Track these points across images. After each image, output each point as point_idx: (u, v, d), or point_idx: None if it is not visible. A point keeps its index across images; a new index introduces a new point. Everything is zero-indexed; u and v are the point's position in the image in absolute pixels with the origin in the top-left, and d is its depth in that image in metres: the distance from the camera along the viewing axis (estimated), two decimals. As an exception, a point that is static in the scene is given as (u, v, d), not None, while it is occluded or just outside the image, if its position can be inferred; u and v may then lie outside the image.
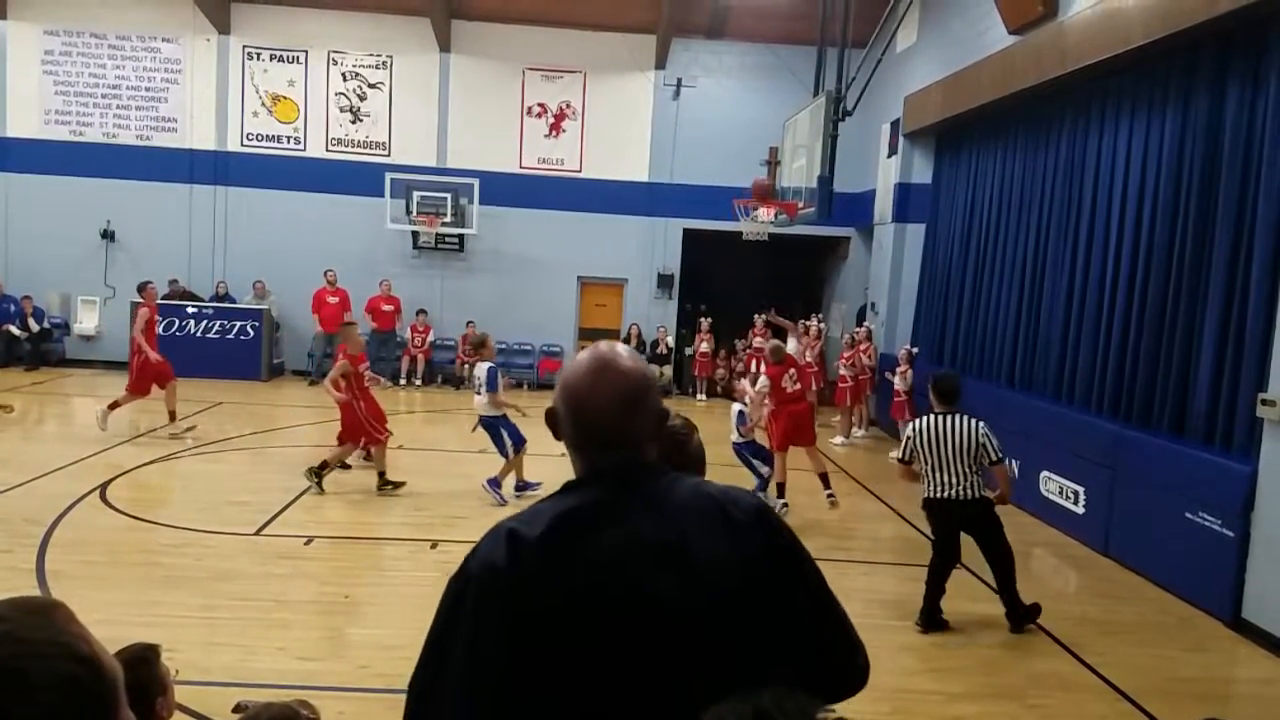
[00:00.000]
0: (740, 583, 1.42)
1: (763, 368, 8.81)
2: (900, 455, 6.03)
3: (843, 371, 12.97)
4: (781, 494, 8.28)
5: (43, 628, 1.03)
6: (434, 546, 6.96)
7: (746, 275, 18.21)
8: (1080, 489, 8.26)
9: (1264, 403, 6.20)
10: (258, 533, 7.12)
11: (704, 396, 16.13)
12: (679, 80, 15.65)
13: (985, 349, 11.37)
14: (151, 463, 8.95)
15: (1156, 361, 7.92)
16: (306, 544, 6.89)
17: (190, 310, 14.80)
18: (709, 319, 16.02)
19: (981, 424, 5.87)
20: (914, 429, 5.93)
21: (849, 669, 1.55)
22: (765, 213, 11.45)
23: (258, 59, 15.60)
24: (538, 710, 1.34)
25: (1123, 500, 7.67)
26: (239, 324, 14.69)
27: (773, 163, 12.86)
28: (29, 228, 15.27)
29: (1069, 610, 6.43)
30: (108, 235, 15.42)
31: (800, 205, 10.30)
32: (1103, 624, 6.28)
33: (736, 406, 8.67)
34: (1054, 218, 9.92)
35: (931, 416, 5.92)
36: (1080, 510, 8.27)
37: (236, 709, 2.38)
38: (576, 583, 1.38)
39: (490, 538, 1.45)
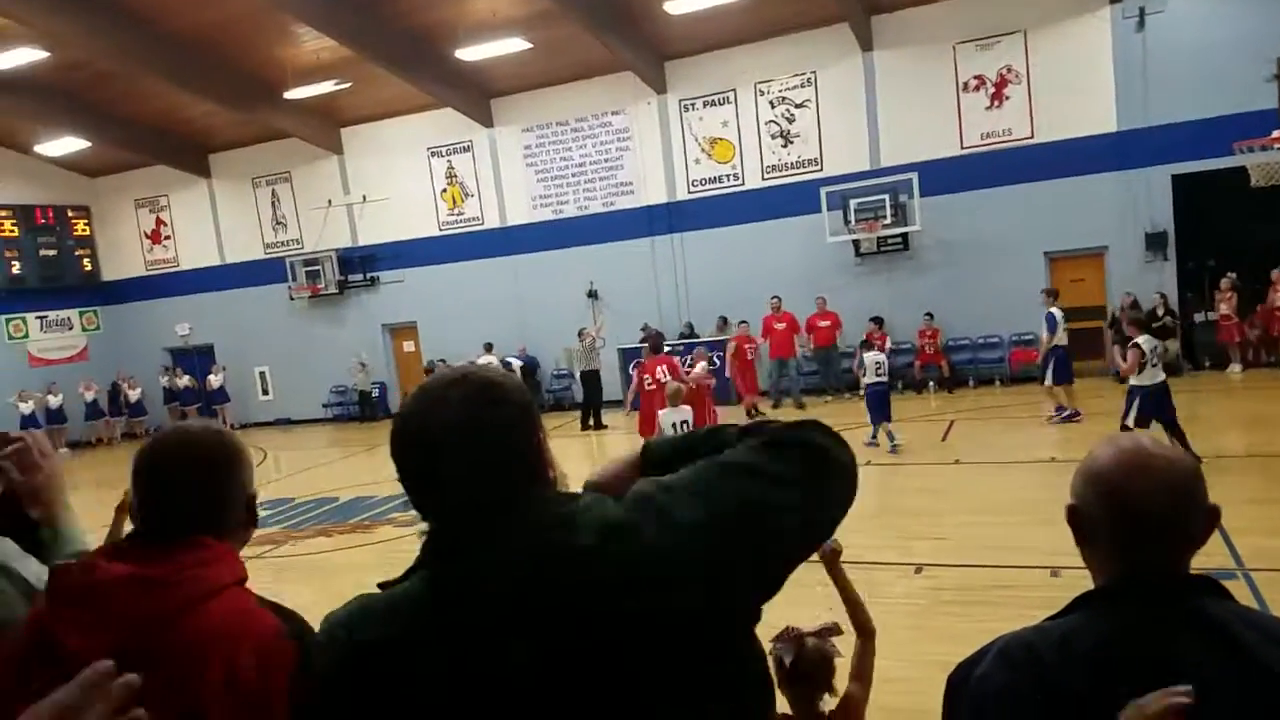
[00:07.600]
0: None
1: None
2: None
3: None
4: None
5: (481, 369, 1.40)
6: (918, 571, 6.47)
7: (1268, 217, 14.88)
8: None
9: None
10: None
11: (1239, 367, 13.59)
12: (1141, 9, 13.39)
13: None
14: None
15: None
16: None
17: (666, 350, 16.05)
18: (1232, 275, 13.49)
19: None
20: None
21: None
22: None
23: (693, 109, 16.62)
24: None
25: None
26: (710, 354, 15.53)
27: (1284, 73, 10.39)
28: (534, 298, 17.86)
29: None
30: (593, 294, 17.45)
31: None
32: None
33: None
34: None
35: None
36: None
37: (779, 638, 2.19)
38: None
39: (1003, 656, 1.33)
